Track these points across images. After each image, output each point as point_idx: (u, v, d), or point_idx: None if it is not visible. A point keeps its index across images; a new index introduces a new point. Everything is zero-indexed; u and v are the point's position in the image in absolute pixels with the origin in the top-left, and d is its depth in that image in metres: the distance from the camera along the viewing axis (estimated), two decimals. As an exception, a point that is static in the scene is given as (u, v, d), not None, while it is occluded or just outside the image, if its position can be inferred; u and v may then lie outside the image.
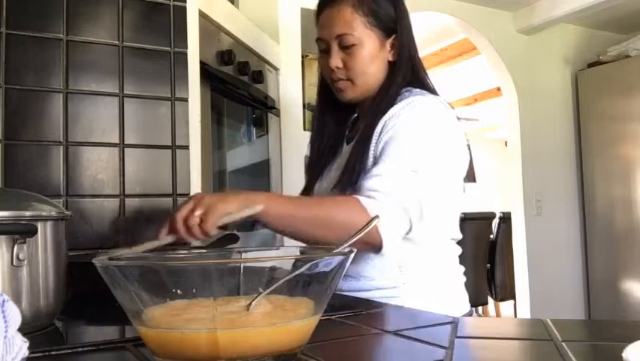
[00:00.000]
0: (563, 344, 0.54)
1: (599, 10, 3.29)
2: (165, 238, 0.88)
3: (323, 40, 1.16)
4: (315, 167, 1.25)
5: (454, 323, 0.64)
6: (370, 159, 1.06)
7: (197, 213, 0.88)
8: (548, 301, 3.48)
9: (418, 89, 1.12)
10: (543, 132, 3.62)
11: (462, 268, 1.17)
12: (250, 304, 0.47)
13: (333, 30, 1.13)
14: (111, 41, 1.18)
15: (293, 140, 2.09)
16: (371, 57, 1.13)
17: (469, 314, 1.16)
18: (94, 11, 1.17)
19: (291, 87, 2.10)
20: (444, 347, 0.52)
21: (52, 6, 1.12)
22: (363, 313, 0.70)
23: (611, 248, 3.56)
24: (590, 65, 3.76)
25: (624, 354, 0.39)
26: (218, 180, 1.56)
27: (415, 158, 1.01)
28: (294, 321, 0.47)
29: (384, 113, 1.08)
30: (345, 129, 1.26)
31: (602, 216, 3.62)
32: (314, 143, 1.28)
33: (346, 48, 1.12)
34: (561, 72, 3.78)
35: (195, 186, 1.27)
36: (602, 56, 3.69)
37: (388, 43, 1.15)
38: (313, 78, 2.56)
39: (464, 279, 1.18)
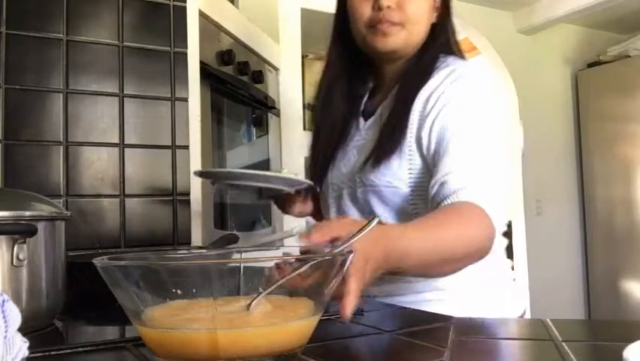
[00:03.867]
0: (563, 344, 0.54)
1: (599, 10, 3.29)
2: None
3: None
4: (324, 149, 1.07)
5: (454, 323, 0.64)
6: (410, 137, 0.92)
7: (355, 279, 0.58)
8: (548, 302, 3.48)
9: (451, 57, 0.99)
10: (543, 132, 3.62)
11: (510, 263, 1.05)
12: (250, 304, 0.47)
13: None
14: (111, 41, 1.18)
15: (293, 140, 2.09)
16: (428, 8, 0.99)
17: (523, 315, 1.04)
18: (94, 11, 1.17)
19: (291, 87, 2.11)
20: (444, 347, 0.52)
21: (52, 6, 1.12)
22: (363, 314, 0.70)
23: (611, 248, 3.56)
24: (590, 65, 3.75)
25: (624, 354, 0.39)
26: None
27: (485, 146, 0.88)
28: (294, 321, 0.47)
29: (420, 81, 0.94)
30: (358, 104, 1.08)
31: (602, 217, 3.62)
32: (322, 120, 1.09)
33: None
34: (561, 72, 3.78)
35: (195, 186, 1.28)
36: (602, 56, 3.69)
37: (437, 1, 1.01)
38: (313, 78, 2.55)
39: (513, 274, 1.06)
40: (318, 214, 1.14)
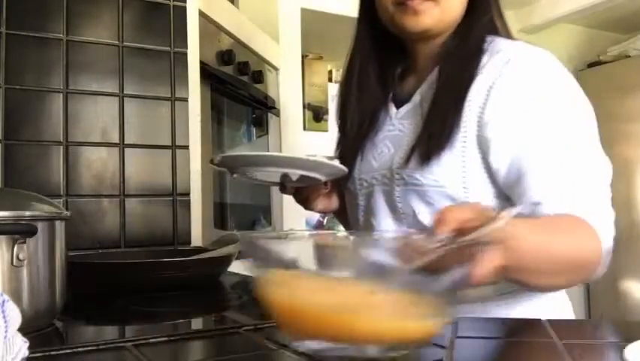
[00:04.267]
0: (563, 343, 0.54)
1: (599, 10, 3.29)
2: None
3: None
4: (353, 140, 0.95)
5: (454, 323, 0.64)
6: (465, 132, 0.80)
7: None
8: (548, 301, 3.48)
9: (501, 39, 0.86)
10: (543, 132, 3.61)
11: None
12: (385, 290, 0.45)
13: None
14: (111, 41, 1.18)
15: (293, 140, 2.09)
16: None
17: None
18: (94, 11, 1.17)
19: (291, 87, 2.11)
20: (444, 347, 0.52)
21: (52, 6, 1.12)
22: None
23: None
24: (590, 65, 3.75)
25: (624, 354, 0.39)
26: (219, 180, 1.56)
27: (581, 152, 0.76)
28: (427, 317, 0.45)
29: (468, 68, 0.82)
30: (387, 91, 0.96)
31: (602, 216, 3.62)
32: (353, 107, 0.96)
33: None
34: (561, 72, 3.78)
35: (195, 186, 1.27)
36: (602, 56, 3.69)
37: None
38: (313, 78, 2.56)
39: None
40: (343, 212, 1.02)
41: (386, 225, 0.88)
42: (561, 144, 0.75)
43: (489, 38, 0.86)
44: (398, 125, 0.90)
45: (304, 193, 0.97)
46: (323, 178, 0.89)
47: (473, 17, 0.87)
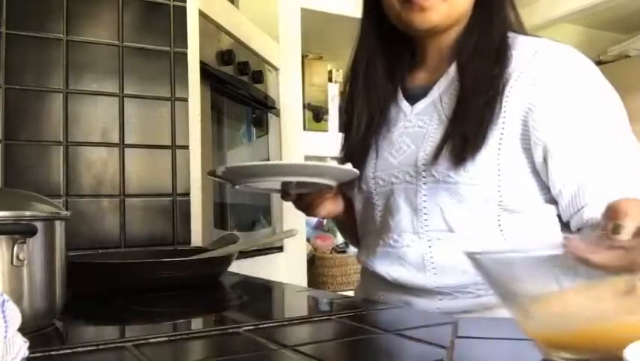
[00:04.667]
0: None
1: (599, 10, 3.29)
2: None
3: None
4: (363, 138, 0.92)
5: (454, 323, 0.64)
6: (503, 130, 0.79)
7: None
8: (548, 301, 3.48)
9: (523, 36, 0.86)
10: (543, 132, 3.61)
11: None
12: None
13: None
14: (111, 41, 1.18)
15: (293, 140, 2.09)
16: None
17: None
18: (94, 11, 1.17)
19: (291, 87, 2.11)
20: (444, 347, 0.52)
21: (52, 6, 1.12)
22: (363, 314, 0.70)
23: (611, 248, 3.55)
24: (590, 65, 3.75)
25: (624, 354, 0.39)
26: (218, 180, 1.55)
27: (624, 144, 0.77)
28: None
29: (497, 65, 0.81)
30: (396, 86, 0.94)
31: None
32: (359, 107, 0.94)
33: None
34: (561, 72, 3.78)
35: (195, 186, 1.27)
36: (602, 56, 3.69)
37: None
38: (313, 78, 2.56)
39: None
40: (350, 213, 0.99)
41: (406, 224, 0.86)
42: (605, 137, 0.76)
43: (511, 34, 0.85)
44: (416, 122, 0.88)
45: (307, 199, 0.92)
46: (334, 183, 0.85)
47: (490, 12, 0.86)
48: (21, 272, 0.59)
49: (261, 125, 1.97)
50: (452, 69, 0.87)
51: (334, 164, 0.88)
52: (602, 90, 0.80)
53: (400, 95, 0.93)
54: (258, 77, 1.74)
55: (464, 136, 0.79)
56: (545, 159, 0.79)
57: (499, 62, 0.81)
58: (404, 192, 0.86)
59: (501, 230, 0.82)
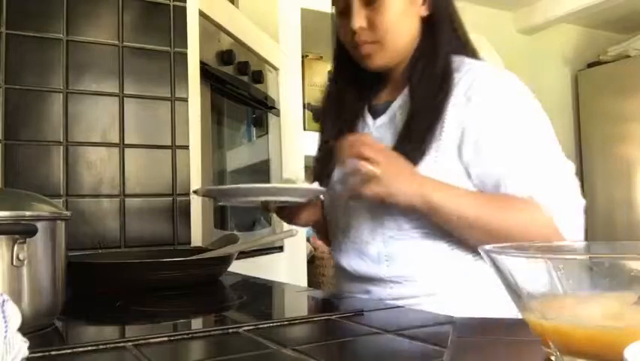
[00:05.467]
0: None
1: (599, 10, 3.29)
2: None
3: None
4: (332, 147, 1.03)
5: (454, 323, 0.64)
6: (439, 144, 0.91)
7: (374, 171, 0.82)
8: (548, 301, 3.48)
9: (466, 58, 0.97)
10: (543, 132, 3.61)
11: None
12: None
13: None
14: (111, 41, 1.18)
15: (293, 140, 2.09)
16: (400, 12, 0.96)
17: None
18: (94, 11, 1.17)
19: (291, 87, 2.11)
20: (444, 347, 0.52)
21: (52, 6, 1.12)
22: (363, 314, 0.70)
23: (611, 248, 3.55)
24: (590, 65, 3.75)
25: (624, 354, 0.39)
26: (218, 181, 1.56)
27: (544, 149, 0.92)
28: None
29: (441, 88, 0.93)
30: (364, 104, 1.07)
31: (602, 216, 3.62)
32: (330, 124, 1.09)
33: (369, 4, 0.95)
34: (561, 72, 3.78)
35: (195, 186, 1.27)
36: (602, 55, 3.69)
37: None
38: (313, 78, 2.56)
39: None
40: (323, 223, 1.13)
41: (365, 224, 0.99)
42: (528, 145, 0.90)
43: (456, 58, 0.96)
44: (376, 134, 1.00)
45: (286, 210, 1.07)
46: (302, 200, 0.99)
47: (433, 38, 0.98)
48: (21, 272, 0.59)
49: (261, 125, 1.97)
50: (405, 92, 0.99)
51: (298, 184, 1.03)
52: (533, 108, 0.94)
53: (366, 110, 1.06)
54: (258, 77, 1.74)
55: (411, 148, 0.92)
56: (471, 161, 0.91)
57: (442, 87, 0.93)
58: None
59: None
